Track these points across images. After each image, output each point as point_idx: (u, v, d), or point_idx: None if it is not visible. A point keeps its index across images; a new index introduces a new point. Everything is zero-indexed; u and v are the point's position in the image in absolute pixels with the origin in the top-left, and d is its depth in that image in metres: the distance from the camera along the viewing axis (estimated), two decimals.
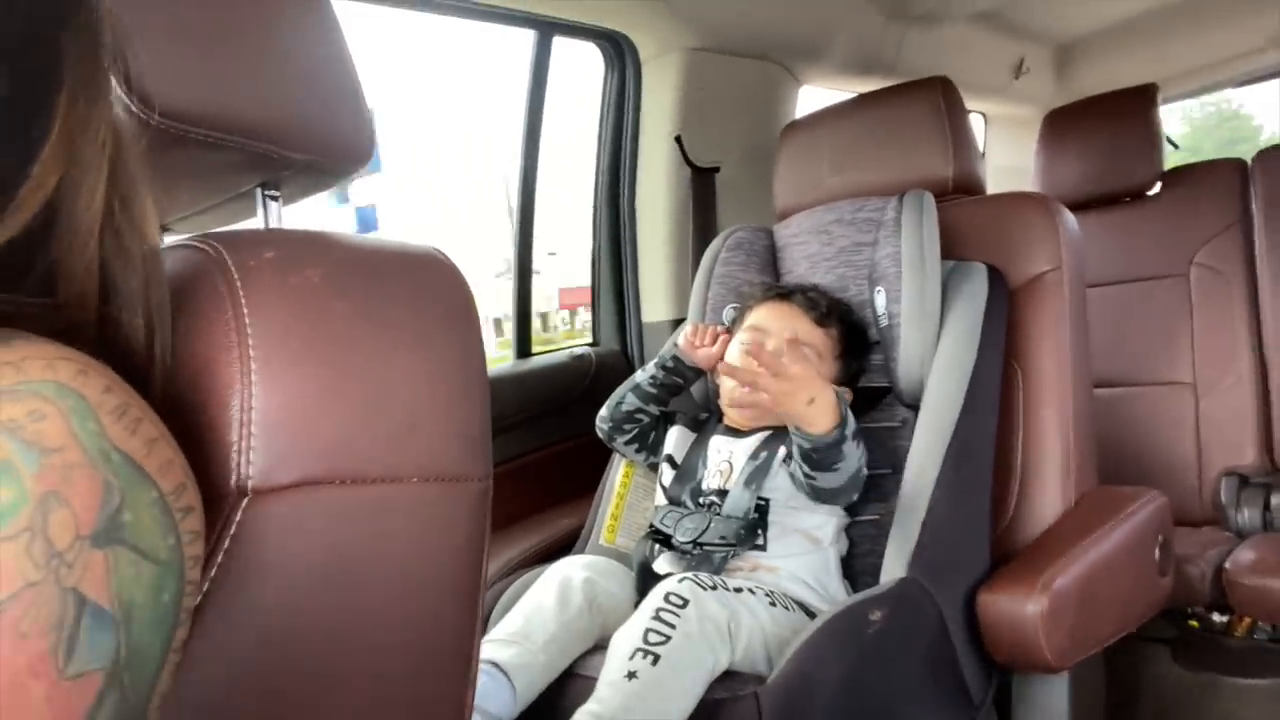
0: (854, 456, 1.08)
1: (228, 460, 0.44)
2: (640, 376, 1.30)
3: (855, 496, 1.13)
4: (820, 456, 1.06)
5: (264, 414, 0.45)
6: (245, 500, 0.44)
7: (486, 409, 0.55)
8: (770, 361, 1.03)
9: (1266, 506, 1.73)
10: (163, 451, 0.37)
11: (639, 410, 1.29)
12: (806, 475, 1.09)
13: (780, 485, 1.14)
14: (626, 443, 1.31)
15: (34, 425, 0.33)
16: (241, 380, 0.45)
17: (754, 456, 1.17)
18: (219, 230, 0.55)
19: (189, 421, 0.45)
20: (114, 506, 0.34)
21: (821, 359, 1.23)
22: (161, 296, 0.44)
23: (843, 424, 1.04)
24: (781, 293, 1.29)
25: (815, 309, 1.25)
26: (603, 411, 1.31)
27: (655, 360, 1.30)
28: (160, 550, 0.35)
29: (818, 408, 1.03)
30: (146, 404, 0.39)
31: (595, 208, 1.81)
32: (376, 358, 0.49)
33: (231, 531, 0.43)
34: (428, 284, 0.55)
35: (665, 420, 1.32)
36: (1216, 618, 1.65)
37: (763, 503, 1.13)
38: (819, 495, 1.11)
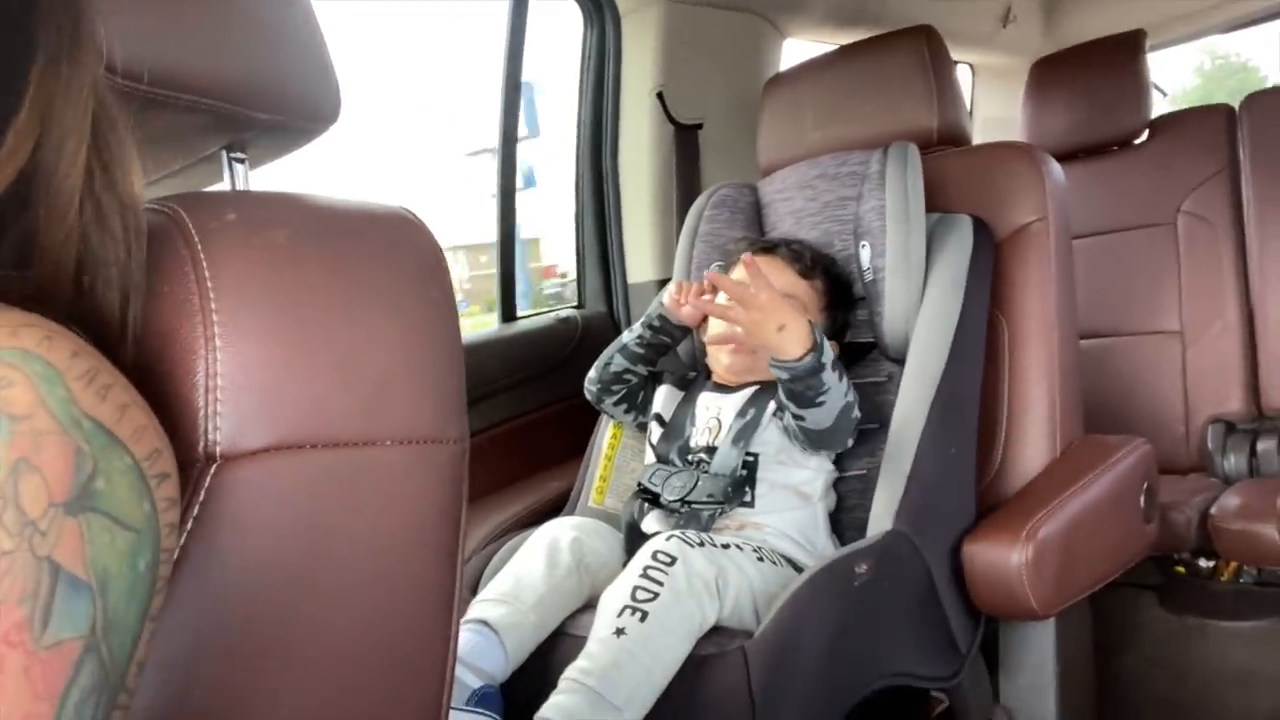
0: (837, 389, 1.06)
1: (195, 426, 0.44)
2: (627, 337, 1.29)
3: (850, 440, 1.13)
4: (801, 388, 1.04)
5: (230, 378, 0.44)
6: (215, 466, 0.43)
7: (461, 370, 0.55)
8: (735, 290, 1.03)
9: (1253, 453, 1.75)
10: (135, 417, 0.37)
11: (627, 371, 1.29)
12: (795, 416, 1.08)
13: (770, 439, 1.14)
14: (615, 403, 1.31)
15: (1, 392, 0.32)
16: (206, 345, 0.44)
17: (742, 414, 1.17)
18: (177, 195, 0.53)
19: (156, 388, 0.45)
20: (86, 474, 0.33)
21: (807, 310, 1.23)
22: (140, 268, 0.43)
23: (818, 349, 1.03)
24: (765, 246, 1.29)
25: (799, 261, 1.25)
26: (591, 374, 1.31)
27: (641, 320, 1.29)
28: (135, 517, 0.35)
29: (789, 333, 1.02)
30: (117, 370, 0.38)
31: (578, 168, 1.79)
32: (346, 319, 0.48)
33: (201, 498, 0.43)
34: (398, 243, 0.54)
35: (654, 380, 1.32)
36: (1203, 563, 1.67)
37: (751, 458, 1.13)
38: (812, 438, 1.10)
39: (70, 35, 0.40)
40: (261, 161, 0.68)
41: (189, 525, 0.42)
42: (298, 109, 0.61)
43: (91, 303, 0.42)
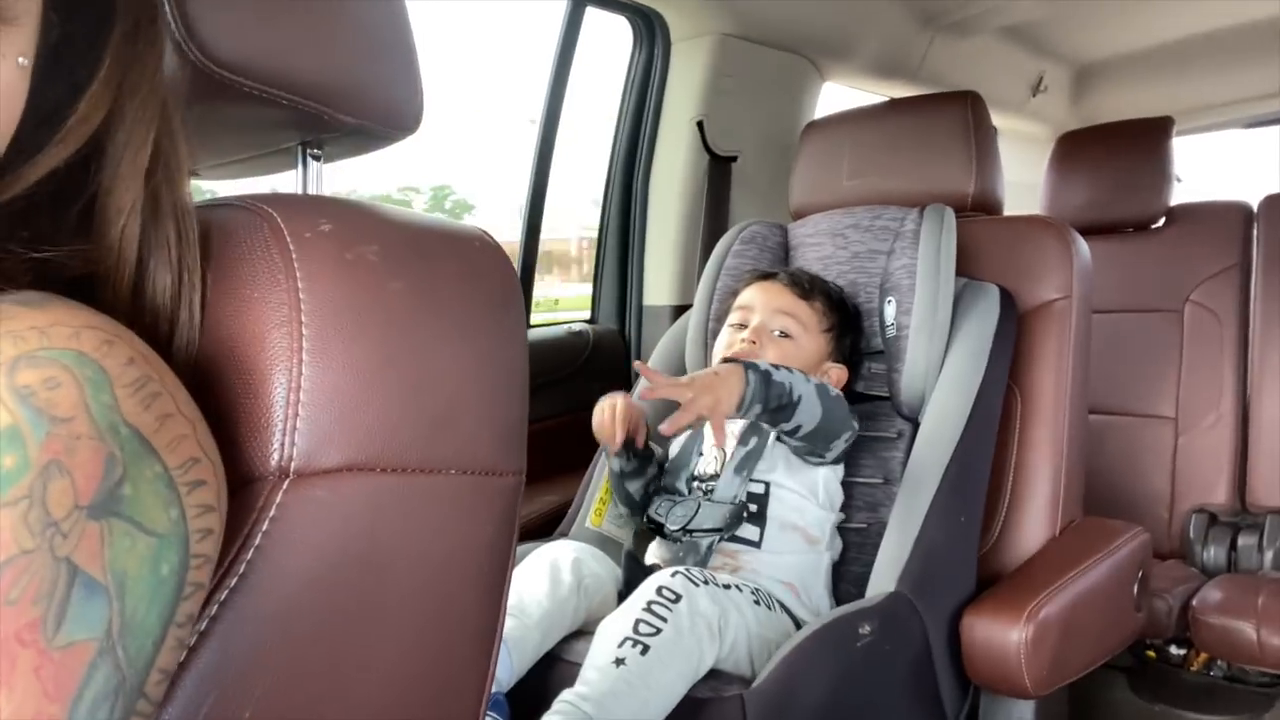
0: (797, 379, 1.08)
1: (270, 440, 0.43)
2: (614, 465, 1.22)
3: (850, 429, 1.14)
4: (773, 405, 1.05)
5: (313, 394, 0.43)
6: (286, 482, 0.43)
7: (525, 402, 0.54)
8: (668, 393, 1.03)
9: (1233, 546, 1.77)
10: (176, 426, 0.37)
11: (637, 491, 1.22)
12: (791, 432, 1.10)
13: (778, 465, 1.16)
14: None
15: (47, 393, 0.32)
16: (292, 356, 0.43)
17: (744, 440, 1.18)
18: (267, 194, 0.53)
19: (231, 394, 0.44)
20: (115, 479, 0.33)
21: (806, 330, 1.24)
22: (192, 254, 0.44)
23: (746, 379, 1.03)
24: (766, 274, 1.31)
25: (797, 284, 1.27)
26: (620, 510, 1.27)
27: (612, 458, 1.23)
28: (160, 523, 0.35)
29: (724, 391, 1.02)
30: (173, 377, 0.38)
31: (608, 184, 1.79)
32: (425, 342, 0.48)
33: (271, 512, 0.42)
34: (477, 267, 0.54)
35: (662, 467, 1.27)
36: (1174, 650, 1.68)
37: (761, 489, 1.14)
38: (820, 437, 1.11)
39: (147, 13, 0.41)
40: (335, 159, 0.68)
41: (257, 539, 0.42)
42: (382, 115, 0.61)
43: (144, 283, 0.42)
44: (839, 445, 1.15)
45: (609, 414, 1.15)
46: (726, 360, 1.19)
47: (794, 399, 1.07)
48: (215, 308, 0.45)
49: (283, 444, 0.43)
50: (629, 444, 1.17)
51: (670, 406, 1.04)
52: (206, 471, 0.38)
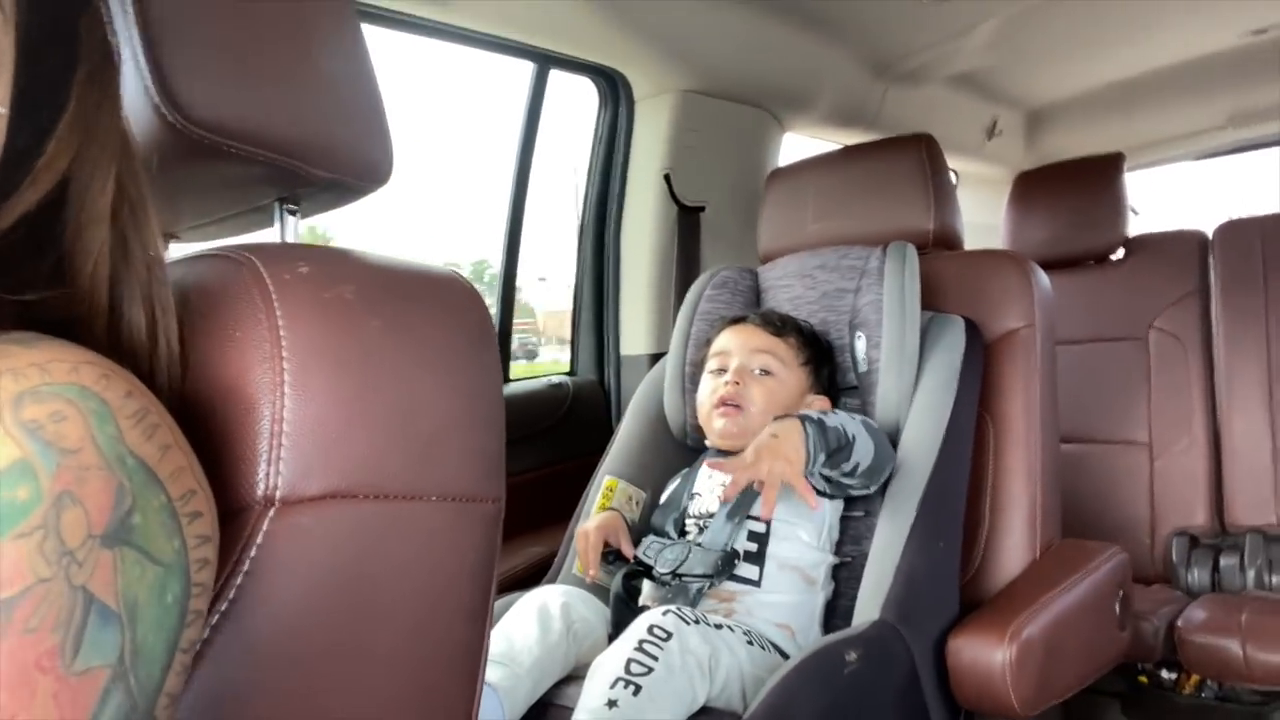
0: (848, 421, 1.12)
1: (256, 470, 0.45)
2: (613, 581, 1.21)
3: (894, 454, 1.18)
4: (832, 460, 1.09)
5: (295, 425, 0.45)
6: (272, 510, 0.44)
7: (502, 431, 0.56)
8: (744, 473, 1.05)
9: (1215, 567, 1.79)
10: (175, 458, 0.38)
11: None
12: (845, 474, 1.11)
13: (783, 502, 1.15)
14: None
15: (54, 426, 0.33)
16: (275, 390, 0.45)
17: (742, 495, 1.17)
18: (247, 242, 0.55)
19: (218, 428, 0.46)
20: (125, 509, 0.34)
21: (785, 365, 1.27)
22: (165, 295, 0.45)
23: (804, 431, 1.07)
24: (737, 318, 1.35)
25: (770, 323, 1.31)
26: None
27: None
28: (165, 553, 0.36)
29: (791, 450, 1.05)
30: (164, 409, 0.39)
31: (580, 238, 1.83)
32: (405, 375, 0.50)
33: (258, 540, 0.43)
34: (451, 305, 0.56)
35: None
36: (1165, 674, 1.69)
37: (763, 530, 1.15)
38: (870, 476, 1.14)
39: (103, 54, 0.42)
40: (311, 214, 0.70)
41: (245, 565, 0.43)
42: (355, 169, 0.63)
43: (120, 324, 0.43)
44: (887, 472, 1.18)
45: (582, 544, 1.21)
46: (723, 404, 1.23)
47: (849, 438, 1.10)
48: (200, 348, 0.47)
49: (268, 474, 0.44)
50: (618, 554, 1.21)
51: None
52: (202, 503, 0.39)
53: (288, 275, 0.49)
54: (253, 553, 0.43)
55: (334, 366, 0.47)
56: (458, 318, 0.55)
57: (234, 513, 0.44)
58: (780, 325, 1.30)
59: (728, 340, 1.31)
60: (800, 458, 1.05)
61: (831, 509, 1.19)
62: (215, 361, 0.47)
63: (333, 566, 0.46)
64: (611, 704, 0.86)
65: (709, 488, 1.23)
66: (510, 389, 1.67)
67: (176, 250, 0.65)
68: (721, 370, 1.28)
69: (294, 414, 0.45)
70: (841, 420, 1.11)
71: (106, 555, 0.33)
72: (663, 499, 1.27)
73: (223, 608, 0.42)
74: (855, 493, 1.18)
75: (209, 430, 0.46)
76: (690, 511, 1.22)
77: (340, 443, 0.46)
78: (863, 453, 1.11)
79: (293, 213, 0.68)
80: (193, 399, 0.47)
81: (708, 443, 1.31)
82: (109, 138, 0.41)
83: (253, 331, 0.47)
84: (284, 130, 0.57)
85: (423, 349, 0.52)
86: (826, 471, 1.11)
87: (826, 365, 1.33)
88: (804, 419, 1.08)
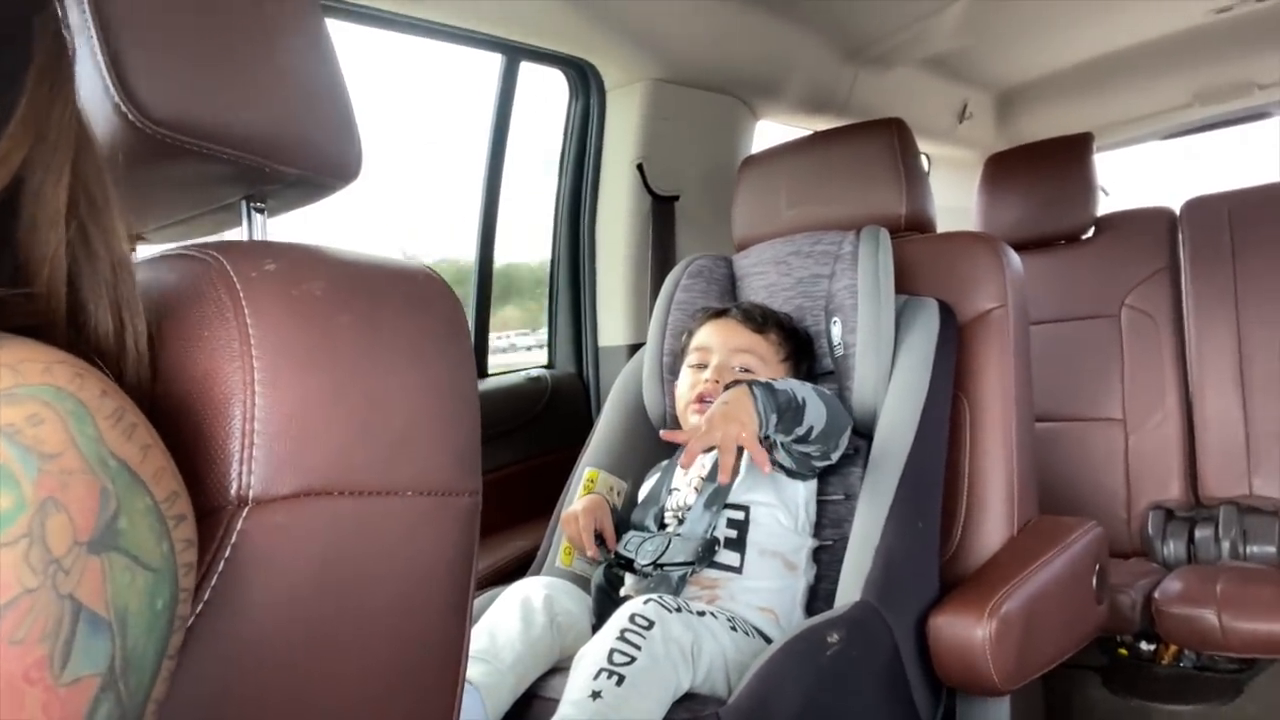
0: (797, 385, 1.12)
1: (228, 470, 0.44)
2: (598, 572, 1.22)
3: (850, 419, 1.19)
4: (787, 425, 1.09)
5: (266, 423, 0.45)
6: (245, 510, 0.44)
7: (477, 424, 0.56)
8: (697, 440, 1.06)
9: (1190, 540, 1.82)
10: (155, 459, 0.37)
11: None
12: (800, 439, 1.11)
13: (757, 488, 1.17)
14: None
15: (32, 430, 0.32)
16: (245, 389, 0.45)
17: (712, 477, 1.18)
18: (213, 240, 0.55)
19: (192, 429, 0.45)
20: (111, 513, 0.34)
21: (766, 363, 1.27)
22: (131, 293, 0.44)
23: (753, 396, 1.07)
24: (718, 311, 1.34)
25: (751, 320, 1.31)
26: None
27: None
28: (154, 558, 0.35)
29: (743, 414, 1.06)
30: (138, 409, 0.39)
31: (555, 231, 1.82)
32: (376, 370, 0.50)
33: (232, 540, 0.43)
34: (422, 300, 0.56)
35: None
36: (1145, 646, 1.71)
37: (741, 515, 1.15)
38: (826, 441, 1.14)
39: (56, 51, 0.41)
40: (279, 212, 0.69)
41: (220, 566, 0.43)
42: (322, 165, 0.62)
43: (85, 323, 0.42)
44: (845, 440, 1.18)
45: (572, 528, 1.22)
46: (701, 400, 1.24)
47: (800, 401, 1.10)
48: (169, 349, 0.47)
49: (240, 473, 0.44)
50: (602, 540, 1.22)
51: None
52: (185, 506, 0.38)
53: (255, 273, 0.49)
54: (227, 554, 0.43)
55: (304, 364, 0.47)
56: (428, 312, 0.55)
57: (207, 513, 0.44)
58: (761, 321, 1.30)
59: (709, 336, 1.31)
60: (752, 419, 1.06)
61: (806, 489, 1.20)
62: (184, 362, 0.47)
63: (308, 565, 0.46)
64: (596, 694, 0.87)
65: (685, 482, 1.23)
66: (489, 383, 1.67)
67: (145, 251, 0.65)
68: (702, 366, 1.29)
69: (265, 412, 0.45)
70: (790, 385, 1.12)
71: (94, 562, 0.33)
72: (641, 495, 1.28)
73: (198, 608, 0.42)
74: (818, 462, 1.17)
75: (180, 431, 0.45)
76: (669, 506, 1.22)
77: (312, 440, 0.46)
78: (815, 415, 1.12)
79: (260, 210, 0.67)
80: (163, 400, 0.46)
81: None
82: (63, 136, 0.40)
83: (221, 330, 0.46)
84: (248, 127, 0.57)
85: (393, 344, 0.51)
86: (782, 438, 1.11)
87: (806, 360, 1.33)
88: (751, 384, 1.09)
